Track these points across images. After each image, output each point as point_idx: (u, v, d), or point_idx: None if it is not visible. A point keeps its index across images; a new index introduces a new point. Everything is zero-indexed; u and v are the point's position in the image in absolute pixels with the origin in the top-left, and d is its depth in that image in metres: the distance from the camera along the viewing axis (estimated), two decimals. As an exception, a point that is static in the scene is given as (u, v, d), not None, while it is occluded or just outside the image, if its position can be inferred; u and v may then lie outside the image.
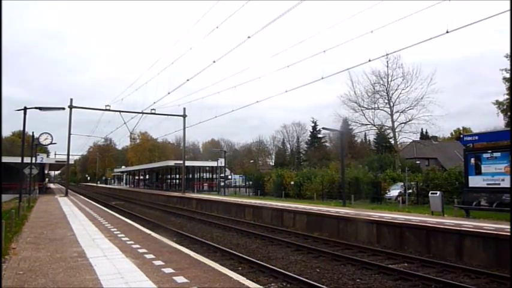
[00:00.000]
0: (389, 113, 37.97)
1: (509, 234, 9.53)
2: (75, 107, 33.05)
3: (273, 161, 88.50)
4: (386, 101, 38.16)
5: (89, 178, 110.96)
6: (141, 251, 8.28)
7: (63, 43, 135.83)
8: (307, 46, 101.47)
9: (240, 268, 9.41)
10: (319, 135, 75.99)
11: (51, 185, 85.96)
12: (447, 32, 10.77)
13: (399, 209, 18.93)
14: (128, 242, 9.40)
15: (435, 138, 60.74)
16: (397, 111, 37.72)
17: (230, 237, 14.96)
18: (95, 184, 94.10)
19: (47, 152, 64.36)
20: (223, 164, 43.84)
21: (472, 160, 14.77)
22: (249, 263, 9.91)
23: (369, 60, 14.10)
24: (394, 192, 25.12)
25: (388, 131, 41.10)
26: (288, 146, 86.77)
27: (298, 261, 10.50)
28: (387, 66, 37.42)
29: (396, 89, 37.57)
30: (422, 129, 46.16)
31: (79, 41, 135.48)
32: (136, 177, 76.33)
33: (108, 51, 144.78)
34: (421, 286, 8.25)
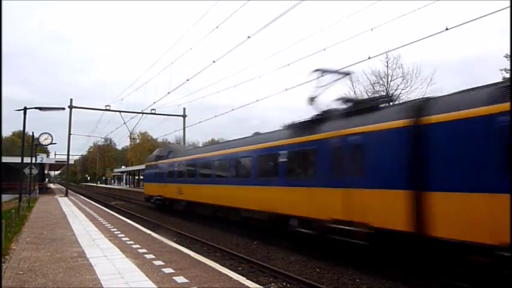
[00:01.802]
0: (390, 113, 38.00)
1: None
2: (75, 107, 33.09)
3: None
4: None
5: (89, 178, 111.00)
6: (141, 251, 8.28)
7: (65, 44, 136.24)
8: (307, 45, 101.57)
9: (240, 268, 9.40)
10: (319, 135, 75.91)
11: (51, 185, 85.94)
12: (447, 29, 10.75)
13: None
14: (128, 242, 9.40)
15: (435, 138, 60.64)
16: (397, 111, 37.76)
17: (230, 237, 14.95)
18: (95, 184, 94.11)
19: (47, 152, 64.40)
20: (223, 164, 43.76)
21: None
22: (249, 263, 9.91)
23: (369, 58, 14.03)
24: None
25: (388, 130, 41.09)
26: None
27: (298, 261, 10.50)
28: (387, 66, 37.42)
29: (396, 89, 37.61)
30: (422, 129, 46.14)
31: (81, 42, 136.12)
32: (136, 177, 76.33)
33: (109, 52, 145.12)
34: (422, 286, 8.24)
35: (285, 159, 12.05)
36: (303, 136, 11.33)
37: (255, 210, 13.38)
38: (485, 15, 9.96)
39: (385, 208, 8.40)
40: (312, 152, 10.92)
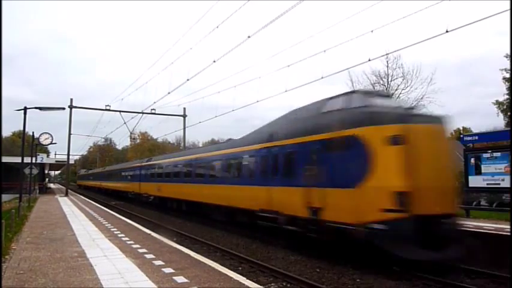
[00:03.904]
0: (390, 113, 37.96)
1: (509, 234, 9.53)
2: (75, 107, 33.09)
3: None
4: (386, 101, 38.20)
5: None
6: (141, 251, 8.29)
7: (67, 44, 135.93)
8: (307, 46, 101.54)
9: (240, 268, 9.41)
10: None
11: (52, 185, 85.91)
12: (447, 31, 10.76)
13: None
14: (128, 242, 9.40)
15: (435, 138, 60.57)
16: (397, 111, 37.73)
17: (230, 237, 14.95)
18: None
19: (47, 152, 64.34)
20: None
21: (472, 160, 14.76)
22: (249, 263, 9.91)
23: (369, 60, 14.06)
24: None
25: (388, 130, 41.06)
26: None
27: (298, 261, 10.50)
28: (387, 66, 37.34)
29: (396, 89, 37.56)
30: (422, 129, 46.07)
31: (83, 42, 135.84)
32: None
33: (110, 52, 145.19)
34: (421, 286, 8.24)
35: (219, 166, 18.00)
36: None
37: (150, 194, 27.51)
38: (486, 18, 9.97)
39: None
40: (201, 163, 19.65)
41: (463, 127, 76.60)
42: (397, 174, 8.24)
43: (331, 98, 10.81)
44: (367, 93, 10.78)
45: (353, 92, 11.10)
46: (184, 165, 21.70)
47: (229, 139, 19.98)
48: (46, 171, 69.83)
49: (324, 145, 9.78)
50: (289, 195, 11.19)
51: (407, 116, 8.85)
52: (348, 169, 9.01)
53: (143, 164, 30.04)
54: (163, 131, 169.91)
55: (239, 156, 14.93)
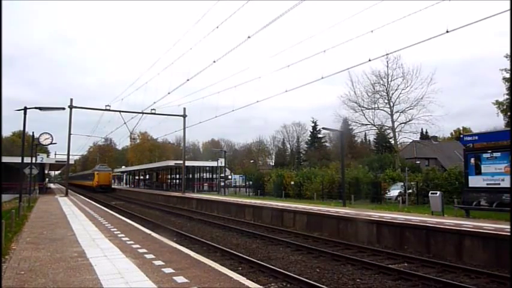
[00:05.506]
0: (389, 113, 37.97)
1: (509, 234, 9.54)
2: (75, 107, 33.03)
3: (273, 161, 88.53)
4: (386, 101, 38.20)
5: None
6: (141, 251, 8.28)
7: (68, 45, 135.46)
8: (307, 46, 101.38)
9: (240, 268, 9.41)
10: (319, 135, 75.99)
11: (52, 185, 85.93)
12: (447, 31, 10.76)
13: (399, 209, 18.94)
14: (128, 242, 9.40)
15: (435, 138, 60.68)
16: (397, 111, 37.74)
17: (230, 237, 14.96)
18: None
19: (47, 152, 64.36)
20: (223, 164, 43.84)
21: (472, 160, 14.77)
22: (249, 263, 9.91)
23: (369, 60, 14.10)
24: (394, 192, 25.11)
25: (388, 131, 41.15)
26: (288, 146, 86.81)
27: (298, 261, 10.51)
28: (387, 66, 37.46)
29: (396, 89, 37.60)
30: (422, 129, 46.16)
31: (83, 43, 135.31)
32: (136, 177, 76.31)
33: (111, 52, 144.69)
34: (421, 286, 8.26)
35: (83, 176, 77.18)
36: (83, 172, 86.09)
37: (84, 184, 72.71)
38: (486, 18, 9.98)
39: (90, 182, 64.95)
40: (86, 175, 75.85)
41: (463, 127, 76.87)
42: (98, 179, 58.92)
43: (98, 166, 67.20)
44: (100, 165, 68.85)
45: (98, 164, 70.74)
46: (80, 175, 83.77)
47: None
48: (46, 171, 69.87)
49: (90, 173, 65.65)
50: (92, 181, 59.78)
51: (100, 170, 60.80)
52: (90, 177, 63.93)
53: (83, 173, 74.74)
54: (163, 131, 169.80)
55: (87, 173, 72.46)
